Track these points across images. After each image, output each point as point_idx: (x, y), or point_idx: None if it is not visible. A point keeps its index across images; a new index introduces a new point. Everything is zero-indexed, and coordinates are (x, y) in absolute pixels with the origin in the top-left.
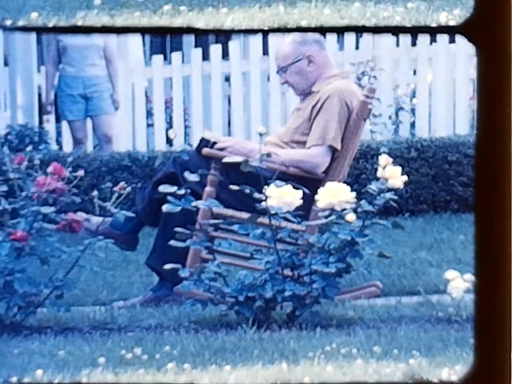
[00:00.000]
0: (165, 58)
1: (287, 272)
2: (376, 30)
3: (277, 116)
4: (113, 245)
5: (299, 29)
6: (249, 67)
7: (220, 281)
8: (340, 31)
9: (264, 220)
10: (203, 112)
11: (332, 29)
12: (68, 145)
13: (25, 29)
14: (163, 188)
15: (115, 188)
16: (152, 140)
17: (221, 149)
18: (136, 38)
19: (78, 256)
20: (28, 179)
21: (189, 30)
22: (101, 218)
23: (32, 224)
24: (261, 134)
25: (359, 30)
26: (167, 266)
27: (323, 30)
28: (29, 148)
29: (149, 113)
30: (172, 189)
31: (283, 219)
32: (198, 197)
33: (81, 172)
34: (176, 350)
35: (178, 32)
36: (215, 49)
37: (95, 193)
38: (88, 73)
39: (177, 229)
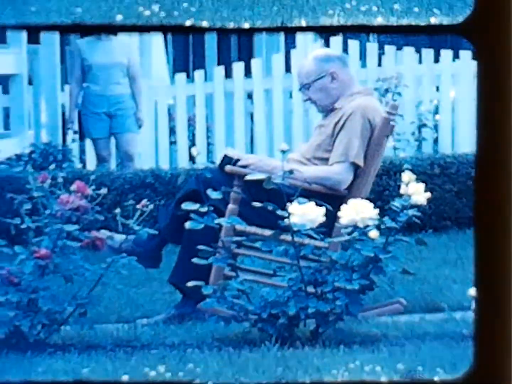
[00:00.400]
0: (188, 76)
1: (310, 289)
2: (375, 30)
3: (300, 133)
4: (136, 262)
5: (299, 29)
6: (271, 85)
7: (243, 298)
8: (339, 30)
9: (287, 237)
10: (225, 129)
11: (332, 29)
12: (91, 163)
13: (24, 27)
14: (186, 206)
15: (138, 206)
16: (175, 157)
17: (244, 167)
18: (160, 57)
19: (102, 273)
20: (52, 197)
21: (190, 29)
22: (124, 236)
23: (56, 242)
24: (283, 151)
25: (359, 30)
26: (190, 284)
27: (323, 31)
28: (53, 166)
29: (172, 131)
30: (195, 206)
31: (306, 236)
32: (221, 214)
33: (104, 190)
34: (199, 367)
35: (179, 31)
36: (238, 67)
37: (118, 210)
38: (112, 92)
39: (200, 246)
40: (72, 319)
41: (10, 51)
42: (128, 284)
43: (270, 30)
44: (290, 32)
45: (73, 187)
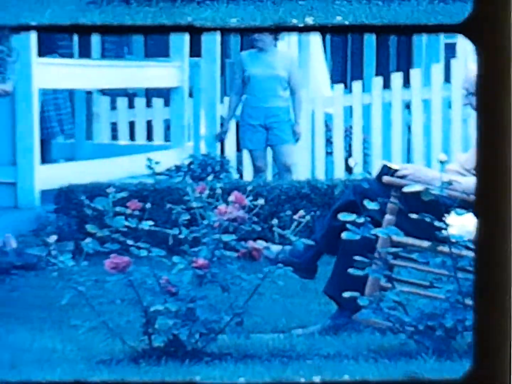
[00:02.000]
0: (345, 87)
1: (468, 301)
2: (376, 29)
3: (458, 143)
4: (292, 273)
5: (301, 29)
6: (430, 95)
7: (400, 309)
8: (340, 31)
9: (445, 248)
10: (382, 140)
11: (332, 29)
12: (248, 174)
13: (21, 28)
14: (343, 216)
15: (295, 216)
16: (331, 168)
17: (402, 177)
18: (321, 67)
19: (258, 283)
20: (209, 207)
21: (189, 29)
22: (280, 246)
23: (214, 252)
24: (442, 162)
25: (359, 30)
26: (346, 294)
27: (323, 31)
28: (211, 177)
29: (329, 142)
30: (352, 217)
31: (464, 248)
32: (378, 225)
33: (261, 201)
34: (355, 379)
35: (178, 31)
36: (396, 77)
37: (274, 221)
38: (269, 104)
39: (356, 257)
40: (228, 328)
41: (173, 65)
42: (284, 294)
43: (265, 29)
44: (289, 31)
45: (231, 197)
